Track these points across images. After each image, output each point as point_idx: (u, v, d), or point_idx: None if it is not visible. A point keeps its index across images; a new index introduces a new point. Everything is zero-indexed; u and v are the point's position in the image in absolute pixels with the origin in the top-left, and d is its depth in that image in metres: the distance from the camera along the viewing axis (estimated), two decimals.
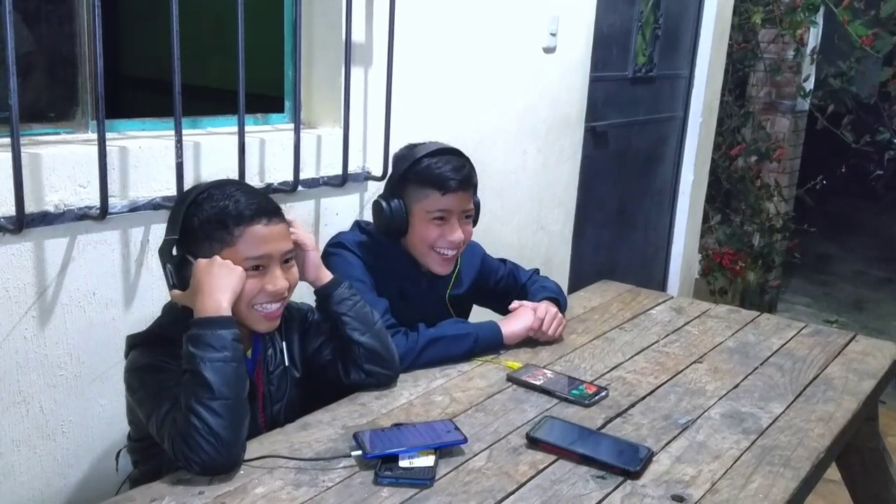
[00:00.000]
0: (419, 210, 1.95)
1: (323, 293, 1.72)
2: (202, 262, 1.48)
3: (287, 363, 1.70)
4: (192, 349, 1.40)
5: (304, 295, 1.83)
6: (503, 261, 2.27)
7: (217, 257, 1.49)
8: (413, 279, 2.05)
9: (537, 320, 2.04)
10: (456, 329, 1.96)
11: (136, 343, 1.56)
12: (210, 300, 1.44)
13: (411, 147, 2.01)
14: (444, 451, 1.49)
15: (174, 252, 1.53)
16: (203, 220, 1.51)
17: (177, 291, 1.53)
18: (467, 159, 2.00)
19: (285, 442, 1.53)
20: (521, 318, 2.05)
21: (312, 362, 1.76)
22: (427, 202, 1.94)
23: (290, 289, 1.60)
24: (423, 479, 1.40)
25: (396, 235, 1.99)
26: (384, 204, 1.96)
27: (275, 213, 1.56)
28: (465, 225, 2.00)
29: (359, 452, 1.45)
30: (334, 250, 1.99)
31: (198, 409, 1.36)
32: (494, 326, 2.02)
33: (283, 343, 1.70)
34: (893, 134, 4.42)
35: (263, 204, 1.55)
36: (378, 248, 2.01)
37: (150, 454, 1.58)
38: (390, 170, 2.03)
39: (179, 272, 1.51)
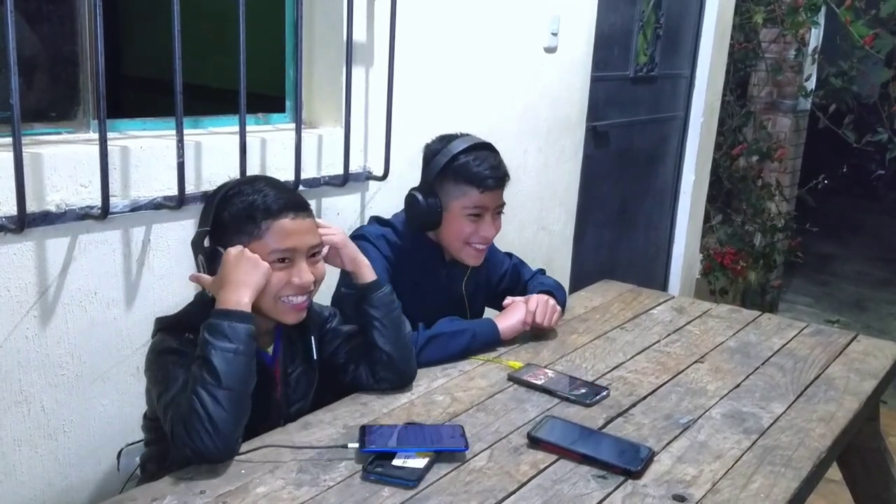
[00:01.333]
0: (456, 206, 1.97)
1: (362, 292, 1.73)
2: (232, 251, 1.51)
3: (308, 364, 1.70)
4: (206, 336, 1.43)
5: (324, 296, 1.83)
6: (509, 255, 2.29)
7: (246, 249, 1.51)
8: (433, 271, 2.07)
9: (529, 313, 2.05)
10: (453, 326, 1.97)
11: (162, 326, 1.58)
12: (233, 294, 1.47)
13: (446, 141, 2.02)
14: (444, 454, 1.49)
15: (206, 244, 1.56)
16: (233, 214, 1.55)
17: (203, 276, 1.56)
18: (499, 154, 2.03)
19: (286, 441, 1.53)
20: (514, 312, 2.07)
21: (328, 364, 1.76)
22: (465, 199, 1.96)
23: (317, 283, 1.61)
24: (408, 480, 1.40)
25: (428, 228, 2.01)
26: (420, 197, 1.98)
27: (302, 208, 1.58)
28: (497, 220, 2.04)
29: (356, 445, 1.46)
30: (356, 243, 1.99)
31: (202, 395, 1.38)
32: (490, 323, 2.03)
33: (313, 342, 1.70)
34: (892, 134, 4.42)
35: (291, 198, 1.58)
36: (400, 240, 2.03)
37: (161, 434, 1.59)
38: (422, 163, 2.04)
39: (210, 264, 1.54)
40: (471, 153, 1.97)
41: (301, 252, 1.57)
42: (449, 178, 1.97)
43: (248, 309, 1.47)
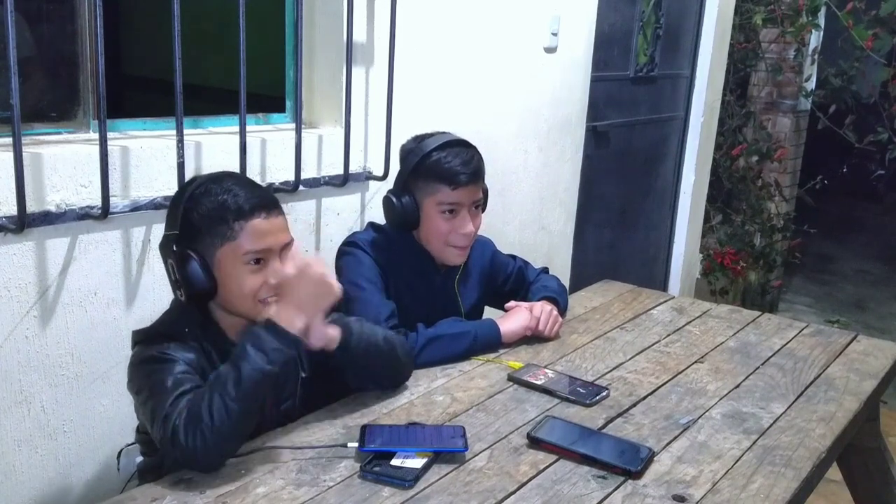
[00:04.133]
0: (429, 204, 1.97)
1: (335, 363, 1.65)
2: (305, 263, 1.46)
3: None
4: (247, 346, 1.41)
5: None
6: (513, 257, 2.29)
7: (316, 260, 1.47)
8: (427, 274, 2.07)
9: (534, 319, 2.05)
10: (454, 328, 1.97)
11: (139, 339, 1.56)
12: (289, 313, 1.44)
13: (419, 140, 2.01)
14: (444, 455, 1.49)
15: (175, 248, 1.53)
16: (202, 216, 1.51)
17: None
18: (475, 149, 2.01)
19: (286, 441, 1.53)
20: (517, 317, 2.06)
21: (322, 366, 1.74)
22: (438, 196, 1.95)
23: None
24: (404, 480, 1.39)
25: (408, 229, 2.01)
26: (394, 199, 1.98)
27: (274, 206, 1.56)
28: (475, 217, 2.02)
29: (356, 445, 1.46)
30: (348, 249, 2.01)
31: (215, 401, 1.36)
32: (493, 325, 2.02)
33: None
34: (892, 134, 4.42)
35: (262, 197, 1.55)
36: (392, 245, 2.02)
37: (155, 447, 1.58)
38: (398, 163, 2.04)
39: (182, 268, 1.51)
40: (443, 150, 1.95)
41: (274, 251, 1.55)
42: (421, 176, 1.96)
43: (298, 333, 1.44)
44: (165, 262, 1.55)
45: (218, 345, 1.56)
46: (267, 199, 1.56)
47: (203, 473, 1.39)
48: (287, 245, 1.59)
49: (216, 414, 1.36)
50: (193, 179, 1.60)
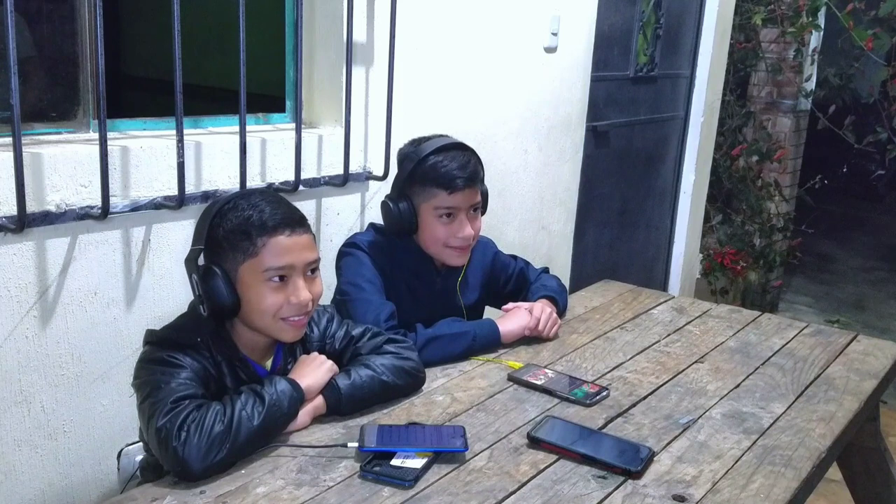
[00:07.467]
0: (427, 208, 1.96)
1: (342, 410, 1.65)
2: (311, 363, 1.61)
3: None
4: (285, 384, 1.50)
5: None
6: (514, 257, 2.28)
7: (326, 361, 1.61)
8: (427, 277, 2.06)
9: (534, 320, 2.05)
10: (453, 328, 1.97)
11: (151, 340, 1.56)
12: (309, 381, 1.57)
13: (416, 144, 2.00)
14: (444, 454, 1.49)
15: (200, 262, 1.53)
16: (227, 231, 1.52)
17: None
18: (472, 152, 2.00)
19: (286, 441, 1.53)
20: (517, 317, 2.06)
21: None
22: (434, 201, 1.95)
23: (315, 301, 1.58)
24: (404, 480, 1.39)
25: (406, 234, 2.00)
26: (391, 204, 1.97)
27: (299, 224, 1.55)
28: (474, 219, 2.01)
29: (355, 444, 1.47)
30: (348, 250, 2.00)
31: (231, 417, 1.39)
32: (492, 325, 2.02)
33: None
34: (892, 134, 4.42)
35: (287, 214, 1.55)
36: (391, 247, 2.02)
37: None
38: (396, 167, 2.04)
39: (205, 283, 1.50)
40: (440, 154, 1.94)
41: (298, 269, 1.54)
42: (417, 181, 1.95)
43: (307, 395, 1.56)
44: (190, 277, 1.55)
45: (228, 358, 1.55)
46: (292, 217, 1.55)
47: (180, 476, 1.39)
48: (313, 264, 1.58)
49: (227, 432, 1.39)
50: (222, 196, 1.60)
